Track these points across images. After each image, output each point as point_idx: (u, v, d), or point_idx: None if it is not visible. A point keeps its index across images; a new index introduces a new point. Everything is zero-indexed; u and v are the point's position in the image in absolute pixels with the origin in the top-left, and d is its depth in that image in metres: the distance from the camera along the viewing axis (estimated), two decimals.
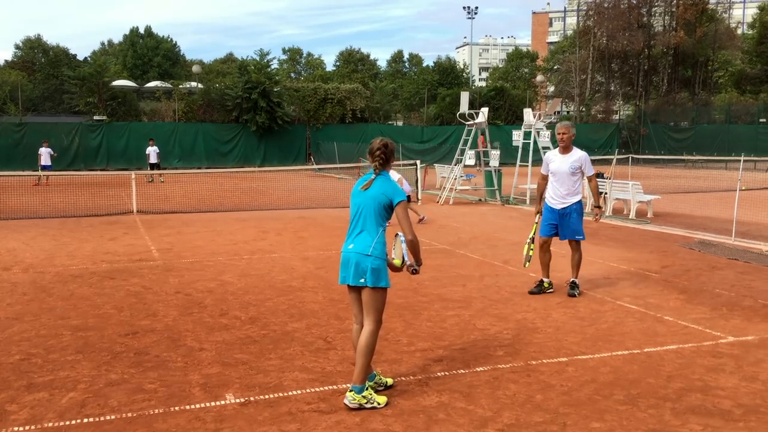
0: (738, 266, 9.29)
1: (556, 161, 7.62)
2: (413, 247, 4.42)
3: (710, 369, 5.13)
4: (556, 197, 7.59)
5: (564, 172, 7.51)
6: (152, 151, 26.29)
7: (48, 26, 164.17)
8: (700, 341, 5.84)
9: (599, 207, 7.96)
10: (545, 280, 7.73)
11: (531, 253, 7.84)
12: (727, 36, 50.98)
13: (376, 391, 4.56)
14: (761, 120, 41.87)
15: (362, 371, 4.42)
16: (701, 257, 10.00)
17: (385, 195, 4.45)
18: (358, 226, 4.53)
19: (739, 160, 12.70)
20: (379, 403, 4.40)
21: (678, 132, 44.28)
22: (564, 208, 7.52)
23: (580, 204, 7.57)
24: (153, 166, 26.04)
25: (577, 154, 7.57)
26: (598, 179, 15.70)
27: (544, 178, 7.77)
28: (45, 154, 24.30)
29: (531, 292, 7.62)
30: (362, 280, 4.43)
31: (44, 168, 24.06)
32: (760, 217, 14.08)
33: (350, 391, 4.40)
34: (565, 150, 7.60)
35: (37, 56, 54.20)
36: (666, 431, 4.06)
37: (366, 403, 4.37)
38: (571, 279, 7.58)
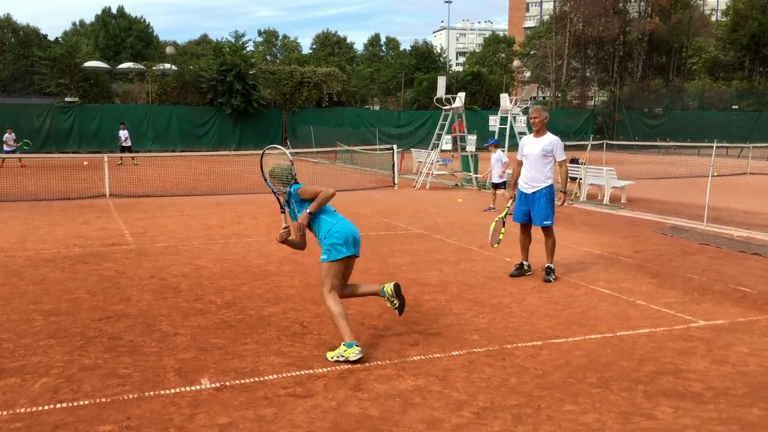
0: (709, 251, 9.44)
1: (529, 144, 7.69)
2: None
3: (681, 352, 5.23)
4: (528, 181, 7.64)
5: (535, 155, 7.56)
6: (123, 135, 26.22)
7: (18, 5, 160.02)
8: (672, 325, 5.94)
9: (565, 192, 7.90)
10: (525, 263, 7.80)
11: (502, 236, 7.88)
12: (701, 23, 51.57)
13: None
14: (734, 107, 42.54)
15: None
16: (673, 242, 10.15)
17: (300, 203, 5.11)
18: None
19: (712, 146, 12.89)
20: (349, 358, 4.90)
21: (652, 118, 44.81)
22: (534, 192, 7.57)
23: (549, 189, 7.58)
24: (125, 149, 25.95)
25: (549, 138, 7.61)
26: (573, 165, 15.94)
27: (520, 164, 7.81)
28: (9, 140, 24.31)
29: (511, 275, 7.70)
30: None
31: (7, 153, 23.98)
32: (731, 202, 14.32)
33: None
34: (538, 134, 7.66)
35: (7, 36, 52.79)
36: (638, 413, 4.13)
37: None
38: (546, 264, 7.64)
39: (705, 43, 54.28)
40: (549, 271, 7.57)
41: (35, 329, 5.65)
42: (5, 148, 24.25)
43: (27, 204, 14.01)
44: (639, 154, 35.99)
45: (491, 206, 13.65)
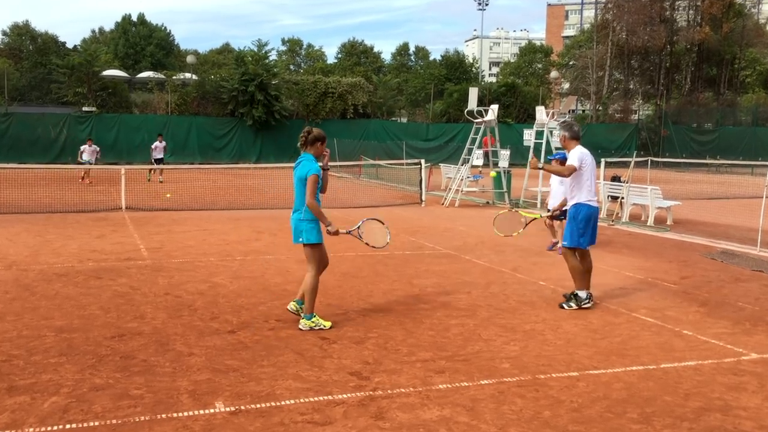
0: (763, 278, 9.27)
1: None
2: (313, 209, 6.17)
3: (731, 387, 5.12)
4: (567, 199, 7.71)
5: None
6: (159, 147, 26.53)
7: (37, 12, 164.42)
8: (721, 357, 5.83)
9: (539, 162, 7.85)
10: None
11: (522, 231, 7.88)
12: (756, 33, 50.96)
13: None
14: None
15: (310, 305, 6.31)
16: (724, 268, 9.99)
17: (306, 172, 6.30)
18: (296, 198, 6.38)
19: (767, 165, 12.68)
20: (324, 326, 6.30)
21: (701, 134, 44.26)
22: (567, 210, 7.63)
23: (575, 208, 7.41)
24: (158, 162, 26.21)
25: (573, 153, 7.48)
26: (614, 182, 15.82)
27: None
28: (87, 152, 24.48)
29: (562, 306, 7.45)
30: (301, 239, 6.30)
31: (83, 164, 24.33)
32: None
33: (303, 319, 6.32)
34: (568, 151, 7.64)
35: (25, 43, 54.30)
36: None
37: (315, 326, 6.27)
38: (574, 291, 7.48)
39: (759, 54, 53.57)
40: (569, 297, 7.39)
41: (46, 346, 5.75)
42: (84, 158, 24.57)
43: (41, 216, 14.30)
44: (687, 172, 35.53)
45: (554, 241, 11.00)
